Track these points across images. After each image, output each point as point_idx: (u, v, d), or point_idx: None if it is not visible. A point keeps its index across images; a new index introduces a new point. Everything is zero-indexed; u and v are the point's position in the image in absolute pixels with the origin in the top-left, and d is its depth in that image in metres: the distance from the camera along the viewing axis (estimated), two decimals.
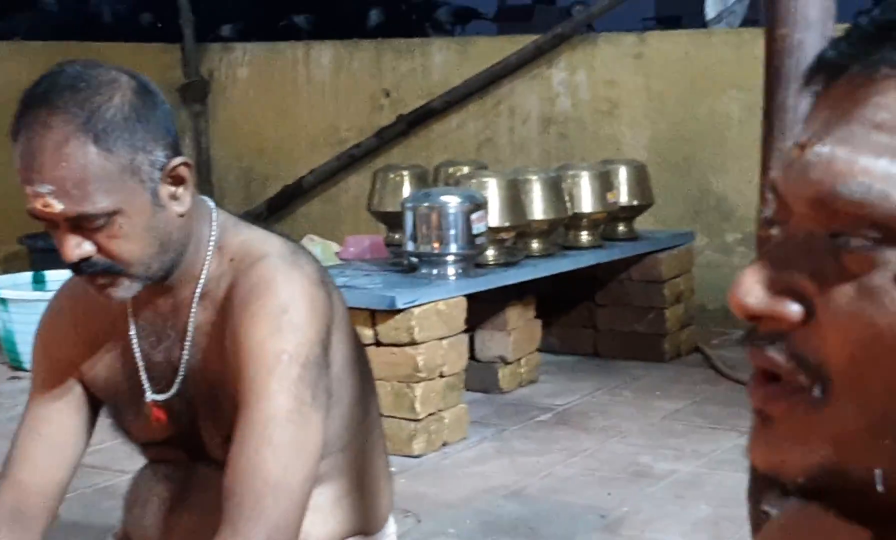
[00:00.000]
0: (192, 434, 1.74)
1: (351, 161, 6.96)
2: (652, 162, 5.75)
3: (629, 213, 5.20)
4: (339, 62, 7.10)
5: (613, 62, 6.27)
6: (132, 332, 1.74)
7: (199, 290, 1.67)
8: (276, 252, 1.66)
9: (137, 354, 1.73)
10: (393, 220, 4.82)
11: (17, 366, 5.18)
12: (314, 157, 7.09)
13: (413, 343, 3.99)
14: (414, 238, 4.28)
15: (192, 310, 1.68)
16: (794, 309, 0.62)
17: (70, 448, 1.79)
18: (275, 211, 7.17)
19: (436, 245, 4.24)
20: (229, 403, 1.63)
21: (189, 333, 1.69)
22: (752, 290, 0.63)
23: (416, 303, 4.00)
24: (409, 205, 4.32)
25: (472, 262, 4.33)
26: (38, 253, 6.32)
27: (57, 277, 5.01)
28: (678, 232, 5.58)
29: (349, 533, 1.84)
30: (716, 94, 5.96)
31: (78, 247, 1.55)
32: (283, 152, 7.23)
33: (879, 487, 0.60)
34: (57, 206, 1.52)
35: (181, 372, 1.70)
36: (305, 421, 1.58)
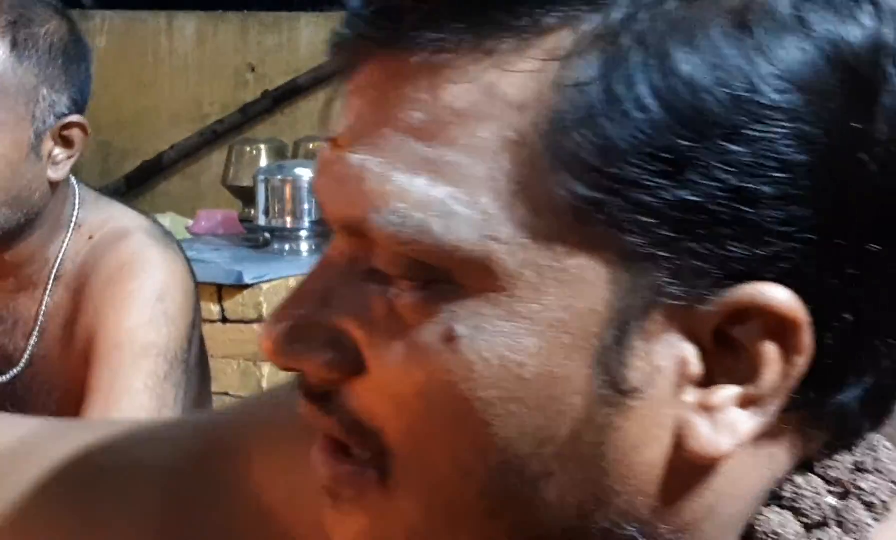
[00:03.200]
0: None
1: (214, 137, 6.76)
2: None
3: None
4: (202, 34, 6.91)
5: None
6: None
7: (54, 272, 1.54)
8: (143, 228, 1.56)
9: None
10: (248, 195, 4.68)
11: None
12: (175, 133, 6.88)
13: (261, 320, 3.85)
14: (266, 212, 4.16)
15: (45, 294, 1.54)
16: (333, 359, 0.49)
17: None
18: (133, 187, 6.94)
19: (289, 219, 4.12)
20: (69, 395, 1.53)
21: (39, 318, 1.55)
22: (281, 333, 0.50)
23: (266, 278, 3.87)
24: (261, 178, 4.19)
25: (325, 238, 4.19)
26: None
27: None
28: None
29: None
30: None
31: None
32: (143, 126, 7.00)
33: None
34: None
35: (22, 361, 1.57)
36: None
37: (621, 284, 0.46)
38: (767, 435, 0.49)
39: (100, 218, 1.57)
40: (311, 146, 4.92)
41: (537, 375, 0.47)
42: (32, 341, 1.57)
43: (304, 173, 4.11)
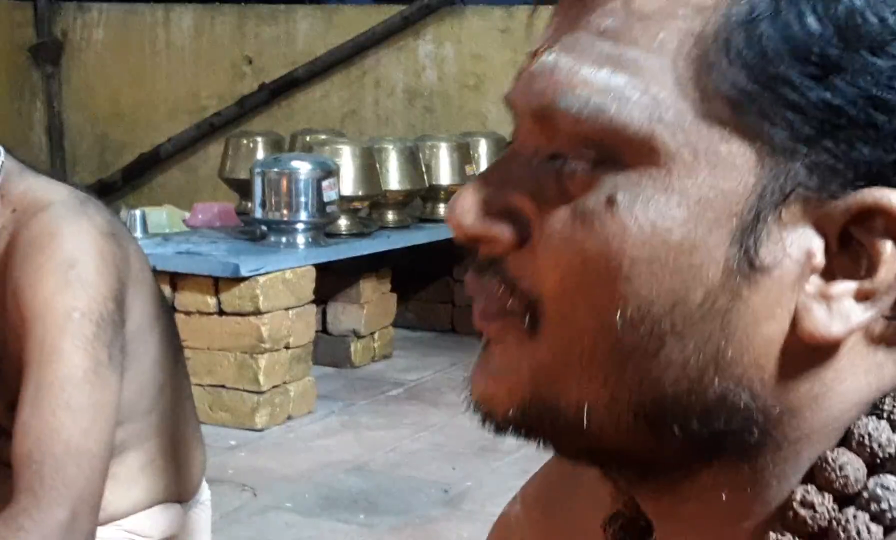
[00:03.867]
0: None
1: (211, 130, 6.75)
2: None
3: None
4: (199, 26, 6.89)
5: (480, 36, 6.18)
6: None
7: None
8: (60, 201, 1.53)
9: None
10: (245, 188, 4.65)
11: None
12: (172, 125, 6.86)
13: (257, 312, 3.85)
14: (263, 205, 4.14)
15: None
16: (506, 231, 0.56)
17: None
18: (130, 180, 6.93)
19: (285, 212, 4.11)
20: (12, 366, 1.50)
21: None
22: (469, 207, 0.57)
23: (262, 271, 3.86)
24: (258, 170, 4.17)
25: (322, 230, 4.19)
26: None
27: None
28: None
29: (157, 501, 1.71)
30: None
31: None
32: (140, 119, 6.98)
33: (589, 423, 0.55)
34: None
35: None
36: (103, 382, 1.46)
37: (765, 172, 0.53)
38: (875, 343, 0.55)
39: (21, 189, 1.54)
40: (307, 139, 4.90)
41: (681, 241, 0.53)
42: None
43: (301, 166, 4.08)
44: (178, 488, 1.75)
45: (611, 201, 0.54)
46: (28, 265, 1.47)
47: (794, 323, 0.54)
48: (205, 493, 1.85)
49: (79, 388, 1.44)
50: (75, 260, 1.48)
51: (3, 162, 1.56)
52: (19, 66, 7.11)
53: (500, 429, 0.59)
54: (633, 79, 0.54)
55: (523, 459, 3.59)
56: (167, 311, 1.73)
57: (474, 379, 0.59)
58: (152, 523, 1.71)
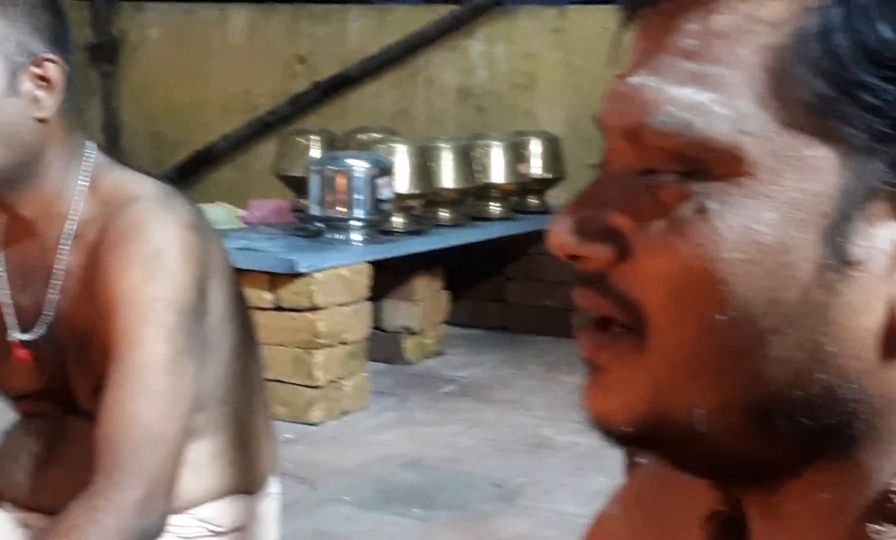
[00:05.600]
0: (62, 385, 1.65)
1: (264, 128, 6.81)
2: (568, 137, 5.69)
3: (541, 186, 5.14)
4: (253, 26, 6.96)
5: (532, 36, 6.20)
6: (3, 274, 1.65)
7: (68, 231, 1.59)
8: (148, 195, 1.58)
9: (5, 297, 1.65)
10: (299, 185, 4.71)
11: None
12: (226, 123, 6.93)
13: (314, 308, 3.90)
14: (319, 202, 4.19)
15: (61, 252, 1.59)
16: (607, 248, 0.60)
17: None
18: (184, 176, 7.00)
19: (341, 210, 4.15)
20: (98, 351, 1.56)
21: (56, 277, 1.60)
22: (568, 229, 0.61)
23: (318, 268, 3.91)
24: (314, 168, 4.22)
25: (377, 228, 4.24)
26: None
27: None
28: None
29: (227, 491, 1.75)
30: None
31: None
32: (195, 117, 7.06)
33: (702, 429, 0.58)
34: None
35: (47, 314, 1.62)
36: (181, 370, 1.51)
37: (848, 172, 0.56)
38: None
39: (112, 182, 1.60)
40: (361, 137, 4.94)
41: (773, 242, 0.56)
42: (56, 298, 1.61)
43: (357, 164, 4.13)
44: (248, 479, 1.79)
45: (702, 209, 0.57)
46: (116, 255, 1.53)
47: (891, 313, 0.57)
48: (273, 485, 1.89)
49: (158, 374, 1.49)
50: (160, 251, 1.53)
51: (94, 156, 1.62)
52: (77, 65, 7.21)
53: (620, 443, 0.62)
54: (716, 94, 0.57)
55: (577, 457, 3.62)
56: (245, 303, 1.77)
57: (589, 397, 0.62)
58: (223, 513, 1.75)
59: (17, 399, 1.75)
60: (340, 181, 4.13)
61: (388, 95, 6.58)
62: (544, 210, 5.17)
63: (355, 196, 4.13)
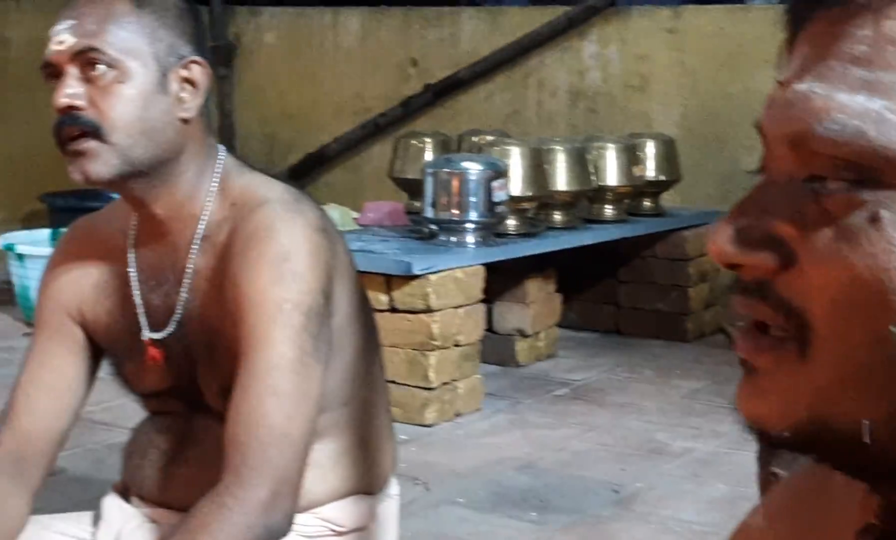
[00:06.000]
0: (190, 383, 1.69)
1: (375, 130, 6.87)
2: (682, 139, 5.63)
3: (656, 189, 5.09)
4: (366, 29, 7.02)
5: (646, 36, 6.15)
6: (132, 274, 1.69)
7: (199, 232, 1.62)
8: (276, 198, 1.61)
9: (136, 297, 1.69)
10: (413, 188, 4.73)
11: (31, 322, 5.14)
12: (338, 125, 7.01)
13: (428, 310, 3.92)
14: (433, 204, 4.20)
15: (192, 253, 1.63)
16: (771, 256, 0.59)
17: (71, 395, 1.75)
18: (297, 178, 7.09)
19: (455, 212, 4.16)
20: (226, 351, 1.58)
21: (187, 276, 1.63)
22: (729, 237, 0.60)
23: (433, 270, 3.92)
24: (429, 170, 4.23)
25: (491, 230, 4.24)
26: (57, 211, 6.29)
27: None
28: (706, 210, 5.46)
29: (350, 491, 1.77)
30: (751, 71, 5.82)
31: (71, 89, 1.54)
32: (308, 119, 7.15)
33: (866, 439, 0.57)
34: (69, 40, 1.54)
35: (177, 313, 1.65)
36: (308, 371, 1.53)
37: None
38: None
39: (241, 185, 1.63)
40: (475, 140, 4.95)
41: None
42: (185, 298, 1.64)
43: (472, 167, 4.13)
44: (369, 480, 1.80)
45: (875, 218, 0.56)
46: (246, 257, 1.56)
47: None
48: (394, 486, 1.90)
49: (285, 375, 1.51)
50: (289, 254, 1.55)
51: (224, 159, 1.65)
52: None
53: (773, 445, 0.62)
54: (889, 101, 0.56)
55: (693, 463, 3.57)
56: (368, 305, 1.79)
57: (744, 399, 0.62)
58: (345, 514, 1.76)
59: (146, 397, 1.79)
60: (455, 184, 4.14)
61: (500, 97, 6.58)
62: (658, 212, 5.12)
63: (470, 198, 4.13)
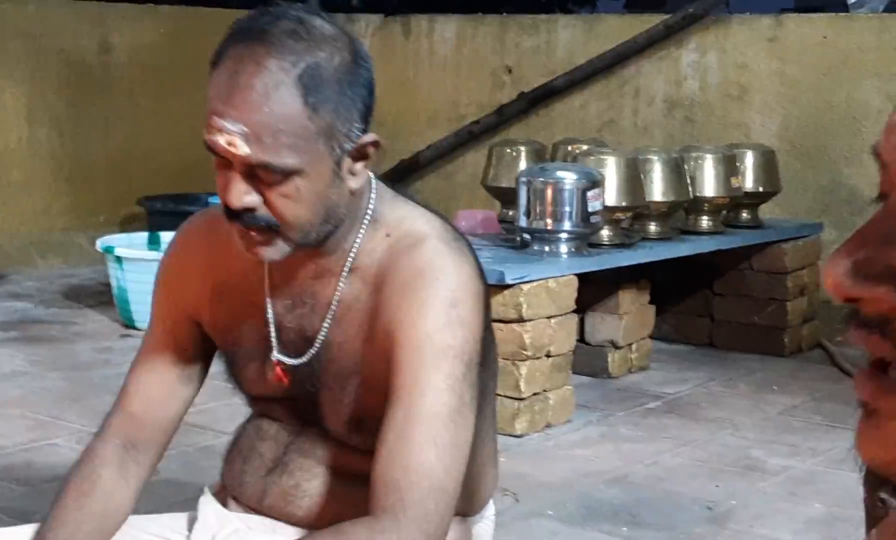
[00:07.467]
0: (311, 404, 1.66)
1: (469, 138, 6.87)
2: (782, 150, 5.53)
3: (754, 200, 5.00)
4: (462, 36, 7.02)
5: (746, 45, 6.05)
6: (266, 289, 1.65)
7: (349, 262, 1.58)
8: (437, 235, 1.56)
9: (270, 314, 1.65)
10: (507, 196, 4.71)
11: (129, 324, 5.23)
12: (432, 132, 7.02)
13: (520, 320, 3.89)
14: (527, 213, 4.17)
15: (341, 282, 1.59)
16: (892, 291, 0.56)
17: (183, 386, 1.74)
18: (390, 185, 7.11)
19: (549, 222, 4.12)
20: (364, 382, 1.56)
21: (333, 306, 1.59)
22: (846, 270, 0.57)
23: (526, 279, 3.89)
24: (523, 179, 4.20)
25: (585, 241, 4.20)
26: (155, 215, 6.39)
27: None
28: (805, 222, 5.35)
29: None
30: (854, 81, 5.70)
31: (246, 194, 1.47)
32: (402, 126, 7.18)
33: None
34: (243, 150, 1.44)
35: (317, 343, 1.62)
36: (464, 422, 1.50)
37: None
38: None
39: (396, 217, 1.57)
40: (569, 149, 4.90)
41: None
42: (327, 326, 1.60)
43: (566, 176, 4.09)
44: (468, 503, 1.77)
45: None
46: (411, 297, 1.51)
47: None
48: (490, 509, 1.87)
49: (445, 426, 1.48)
50: (457, 300, 1.51)
51: (375, 186, 1.60)
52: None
53: None
54: None
55: (789, 481, 3.49)
56: (492, 333, 1.72)
57: (864, 444, 0.59)
58: None
59: (256, 399, 1.76)
60: (549, 193, 4.10)
61: (595, 106, 6.53)
62: (757, 225, 5.03)
63: (564, 208, 4.09)
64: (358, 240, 1.57)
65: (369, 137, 1.51)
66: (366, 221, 1.57)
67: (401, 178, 7.12)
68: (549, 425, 3.99)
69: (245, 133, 1.44)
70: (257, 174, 1.46)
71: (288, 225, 1.49)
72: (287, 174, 1.46)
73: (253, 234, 1.50)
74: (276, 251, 1.52)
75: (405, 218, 1.58)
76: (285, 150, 1.44)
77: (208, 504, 1.81)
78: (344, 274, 1.58)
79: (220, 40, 1.49)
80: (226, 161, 1.47)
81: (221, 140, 1.45)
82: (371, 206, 1.58)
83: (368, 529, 1.45)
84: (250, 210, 1.48)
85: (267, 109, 1.43)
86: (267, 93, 1.43)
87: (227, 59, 1.46)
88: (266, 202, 1.48)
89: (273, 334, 1.65)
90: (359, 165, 1.52)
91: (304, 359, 1.63)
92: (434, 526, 1.46)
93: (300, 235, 1.51)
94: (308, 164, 1.46)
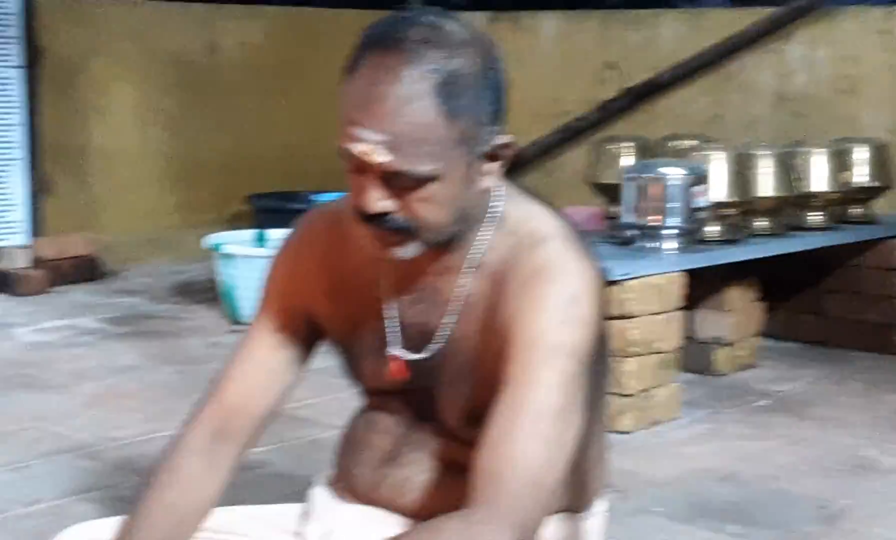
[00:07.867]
0: (427, 396, 1.67)
1: (572, 134, 6.84)
2: (894, 144, 5.40)
3: (866, 195, 4.90)
4: (564, 32, 7.00)
5: (856, 37, 5.93)
6: (387, 286, 1.66)
7: (474, 259, 1.59)
8: (561, 235, 1.57)
9: (390, 310, 1.67)
10: (611, 192, 4.68)
11: (236, 319, 5.32)
12: (535, 129, 7.01)
13: (627, 317, 3.86)
14: (632, 210, 4.14)
15: (464, 278, 1.60)
16: None
17: (282, 376, 1.75)
18: (515, 183, 7.12)
19: (655, 218, 4.09)
20: (483, 379, 1.57)
21: (456, 302, 1.61)
22: None
23: (632, 276, 3.87)
24: (628, 175, 4.18)
25: (691, 237, 4.15)
26: (262, 212, 6.49)
27: (279, 237, 5.09)
28: None
29: (555, 510, 1.73)
30: None
31: (382, 200, 1.49)
32: (506, 123, 7.16)
33: None
34: (381, 158, 1.46)
35: (440, 339, 1.63)
36: (572, 420, 1.50)
37: None
38: None
39: (521, 215, 1.58)
40: (674, 144, 4.85)
41: None
42: (449, 322, 1.61)
43: (672, 172, 4.06)
44: (576, 500, 1.77)
45: None
46: (532, 293, 1.51)
47: None
48: (602, 504, 1.86)
49: (552, 423, 1.47)
50: (577, 299, 1.51)
51: (501, 183, 1.60)
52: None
53: None
54: None
55: None
56: (606, 332, 1.71)
57: None
58: (550, 532, 1.72)
59: (372, 392, 1.77)
60: (655, 189, 4.07)
61: (701, 101, 6.46)
62: (868, 220, 4.92)
63: (670, 204, 4.05)
64: (484, 238, 1.57)
65: (503, 139, 1.53)
66: (489, 217, 1.58)
67: (504, 174, 7.12)
68: (655, 422, 3.96)
69: (385, 142, 1.45)
70: (393, 180, 1.48)
71: (423, 227, 1.51)
72: (424, 180, 1.47)
73: (388, 236, 1.52)
74: (409, 251, 1.54)
75: (530, 217, 1.59)
76: (423, 158, 1.46)
77: (321, 495, 1.82)
78: (468, 270, 1.59)
79: (354, 47, 1.50)
80: (360, 167, 1.49)
81: (359, 149, 1.47)
82: (497, 203, 1.59)
83: (465, 520, 1.45)
84: (385, 214, 1.50)
85: (405, 119, 1.44)
86: (405, 103, 1.44)
87: (362, 68, 1.47)
88: (402, 206, 1.49)
89: (394, 330, 1.66)
90: (493, 166, 1.54)
91: (425, 354, 1.64)
92: (529, 520, 1.45)
93: (433, 236, 1.53)
94: (444, 170, 1.47)
